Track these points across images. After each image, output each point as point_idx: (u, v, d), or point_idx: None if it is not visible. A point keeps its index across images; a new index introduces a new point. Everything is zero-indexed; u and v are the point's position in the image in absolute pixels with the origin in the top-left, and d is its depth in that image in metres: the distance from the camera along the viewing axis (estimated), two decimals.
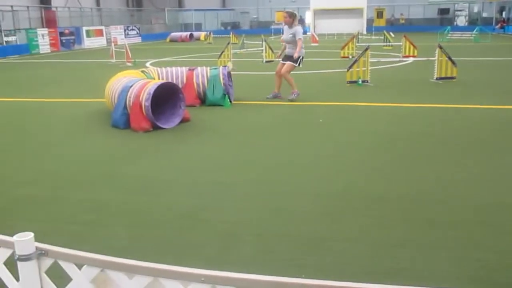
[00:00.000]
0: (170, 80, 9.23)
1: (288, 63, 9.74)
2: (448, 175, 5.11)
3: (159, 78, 9.43)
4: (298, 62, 9.72)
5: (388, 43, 23.52)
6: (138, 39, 38.22)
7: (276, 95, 10.11)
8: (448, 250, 3.46)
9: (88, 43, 31.72)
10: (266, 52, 18.03)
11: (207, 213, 4.22)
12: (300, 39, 9.54)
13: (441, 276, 3.11)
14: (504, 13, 48.19)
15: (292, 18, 9.69)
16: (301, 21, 50.92)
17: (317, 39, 29.66)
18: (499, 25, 42.05)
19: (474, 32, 30.64)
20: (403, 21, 50.51)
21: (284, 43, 9.94)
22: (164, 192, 4.79)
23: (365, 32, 43.28)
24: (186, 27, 51.34)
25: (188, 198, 4.59)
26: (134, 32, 38.29)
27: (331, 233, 3.77)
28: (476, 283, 3.03)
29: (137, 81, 7.81)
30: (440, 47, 11.94)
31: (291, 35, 9.67)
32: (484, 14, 48.80)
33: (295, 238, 3.69)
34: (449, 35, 31.70)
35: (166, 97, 7.88)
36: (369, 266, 3.27)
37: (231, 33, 31.88)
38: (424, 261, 3.31)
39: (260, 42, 18.96)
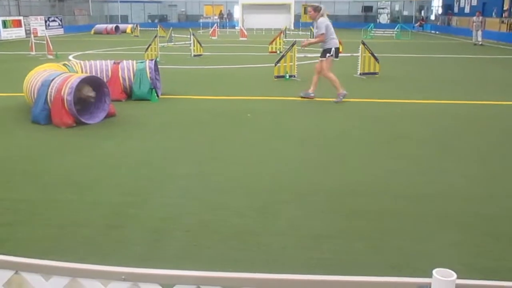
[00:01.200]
0: (94, 74, 8.97)
1: (320, 60, 9.25)
2: (374, 168, 5.32)
3: (82, 72, 9.13)
4: (330, 54, 9.10)
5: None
6: (60, 31, 36.69)
7: (308, 95, 9.50)
8: (370, 239, 3.60)
9: (5, 34, 30.08)
10: (194, 46, 17.89)
11: (135, 210, 4.15)
12: (321, 34, 8.94)
13: (363, 265, 3.24)
14: (423, 12, 50.69)
15: (316, 11, 9.09)
16: (230, 15, 51.19)
17: (246, 33, 29.81)
18: (419, 23, 44.16)
19: (395, 29, 31.96)
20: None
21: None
22: (90, 189, 4.65)
23: (292, 28, 44.00)
24: (111, 19, 49.92)
25: (116, 195, 4.49)
26: (56, 23, 36.69)
27: (260, 227, 3.82)
28: (398, 269, 3.18)
29: (59, 75, 7.52)
30: (364, 44, 12.36)
31: (316, 30, 9.23)
32: (405, 13, 51.03)
33: (224, 233, 3.71)
34: (373, 32, 32.88)
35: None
36: (295, 258, 3.34)
37: (158, 26, 31.36)
38: (347, 251, 3.43)
39: (189, 36, 18.76)
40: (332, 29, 9.11)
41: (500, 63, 17.16)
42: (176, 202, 4.32)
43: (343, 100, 9.16)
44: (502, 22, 30.16)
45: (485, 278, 2.55)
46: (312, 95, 9.54)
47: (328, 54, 9.13)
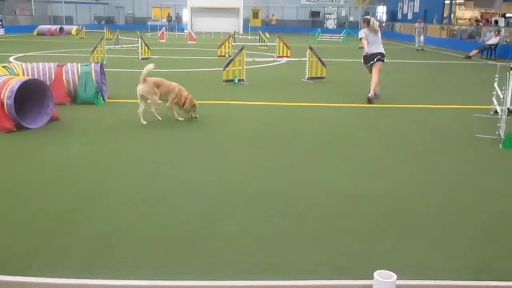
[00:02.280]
0: (36, 77, 8.68)
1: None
2: (321, 169, 5.39)
3: (24, 75, 8.83)
4: (364, 60, 10.22)
5: (263, 43, 24.22)
6: (1, 31, 35.34)
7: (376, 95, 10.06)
8: (318, 242, 3.65)
9: None
10: (142, 49, 17.64)
11: (78, 217, 4.04)
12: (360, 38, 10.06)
13: (311, 268, 3.27)
14: None
15: (363, 22, 10.21)
16: (178, 18, 50.83)
17: (195, 37, 29.68)
18: None
19: (342, 34, 32.64)
20: (274, 22, 52.34)
21: None
22: (32, 195, 4.49)
23: (241, 32, 44.16)
24: (55, 20, 48.55)
25: (59, 202, 4.35)
26: None
27: (209, 233, 3.80)
28: (345, 271, 3.23)
29: None
30: (311, 48, 12.55)
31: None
32: (351, 18, 52.26)
33: (168, 241, 3.66)
34: (320, 37, 33.45)
35: (32, 95, 7.41)
36: (243, 263, 3.34)
37: (105, 28, 30.73)
38: (296, 254, 3.46)
39: (136, 39, 18.48)
40: (371, 36, 9.95)
41: (441, 68, 17.83)
42: (122, 209, 4.24)
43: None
44: (443, 28, 31.42)
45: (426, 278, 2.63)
46: (378, 93, 10.19)
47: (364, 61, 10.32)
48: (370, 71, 10.17)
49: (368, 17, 10.32)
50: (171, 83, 7.92)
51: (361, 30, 10.08)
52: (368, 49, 9.94)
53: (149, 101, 7.66)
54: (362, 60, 10.29)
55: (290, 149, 6.29)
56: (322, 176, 5.19)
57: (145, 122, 7.52)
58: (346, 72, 15.43)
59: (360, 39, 10.03)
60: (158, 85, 7.73)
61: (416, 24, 26.36)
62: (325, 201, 4.48)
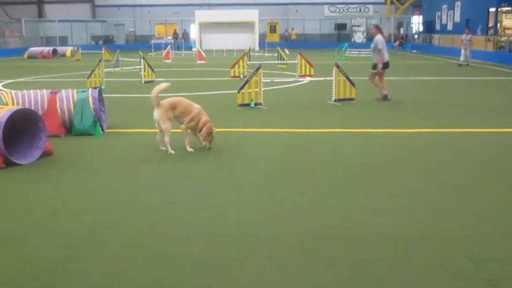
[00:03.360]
0: (27, 106, 8.84)
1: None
2: (352, 208, 5.35)
3: (13, 104, 8.99)
4: (375, 67, 13.11)
5: (282, 61, 24.41)
6: None
7: (385, 96, 13.08)
8: None
9: None
10: (145, 71, 17.91)
11: (75, 265, 4.05)
12: (379, 49, 12.80)
13: None
14: (402, 30, 52.22)
15: (377, 29, 13.03)
16: (185, 35, 51.63)
17: (204, 56, 30.04)
18: (398, 42, 45.42)
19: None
20: (294, 37, 52.83)
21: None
22: (21, 243, 4.52)
23: (257, 49, 44.61)
24: (48, 41, 49.67)
25: (53, 248, 4.37)
26: None
27: (223, 281, 3.78)
28: None
29: None
30: (337, 66, 12.61)
31: (372, 45, 13.04)
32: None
33: None
34: (347, 52, 33.63)
35: (22, 127, 7.53)
36: None
37: (103, 49, 31.32)
38: None
39: (138, 60, 18.79)
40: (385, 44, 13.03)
41: (491, 85, 17.74)
42: (123, 255, 4.24)
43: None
44: (488, 40, 31.34)
45: None
46: (384, 93, 13.15)
47: (375, 68, 13.20)
48: (377, 77, 13.16)
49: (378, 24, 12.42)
50: (191, 103, 8.06)
51: (379, 38, 12.61)
52: (385, 56, 12.88)
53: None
54: (380, 66, 12.96)
55: (315, 183, 6.27)
56: (352, 215, 5.15)
57: (173, 152, 7.66)
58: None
59: (378, 49, 12.64)
60: (174, 107, 7.84)
61: (463, 36, 26.20)
62: (357, 245, 4.43)
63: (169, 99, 8.00)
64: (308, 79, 17.72)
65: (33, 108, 8.80)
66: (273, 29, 54.22)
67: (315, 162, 7.27)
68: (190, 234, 4.69)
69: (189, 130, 7.93)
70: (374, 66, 13.19)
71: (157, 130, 8.04)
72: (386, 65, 13.13)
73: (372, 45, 13.26)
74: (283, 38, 53.30)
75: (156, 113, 7.79)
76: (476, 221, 4.96)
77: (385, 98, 13.11)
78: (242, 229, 4.78)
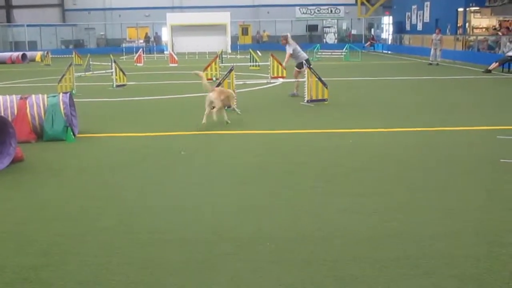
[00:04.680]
0: None
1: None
2: (326, 208, 5.39)
3: None
4: (299, 66, 14.41)
5: (255, 63, 24.46)
6: None
7: (294, 94, 14.57)
8: None
9: None
10: (117, 75, 17.76)
11: (53, 272, 4.00)
12: (289, 53, 14.57)
13: None
14: (373, 30, 52.81)
15: (285, 40, 14.59)
16: (157, 39, 51.41)
17: (176, 59, 29.92)
18: (369, 43, 45.94)
19: (344, 50, 33.05)
20: (266, 39, 52.98)
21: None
22: None
23: (229, 51, 44.63)
24: (17, 46, 49.05)
25: (25, 256, 4.31)
26: None
27: (199, 285, 3.77)
28: None
29: None
30: (309, 67, 12.69)
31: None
32: (354, 31, 53.01)
33: None
34: (319, 53, 33.84)
35: None
36: None
37: (74, 53, 31.05)
38: None
39: (110, 64, 18.63)
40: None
41: (458, 84, 18.04)
42: (97, 262, 4.20)
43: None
44: (457, 39, 31.86)
45: None
46: (296, 94, 14.46)
47: (298, 67, 14.52)
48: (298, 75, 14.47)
49: (286, 34, 14.74)
50: (228, 90, 11.04)
51: (290, 46, 14.40)
52: (302, 57, 14.38)
53: (214, 107, 10.09)
54: (298, 67, 14.43)
55: (291, 185, 6.29)
56: (327, 216, 5.19)
57: (229, 121, 10.30)
58: (351, 92, 15.58)
59: (289, 54, 14.48)
60: (221, 93, 10.27)
61: (433, 36, 26.58)
62: (332, 245, 4.47)
63: (218, 88, 10.66)
64: (280, 80, 17.80)
65: (2, 114, 8.68)
66: (245, 31, 54.34)
67: (290, 164, 7.30)
68: (165, 239, 4.67)
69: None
70: (298, 65, 14.49)
71: (129, 134, 7.99)
72: (301, 65, 14.24)
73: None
74: (255, 40, 53.50)
75: (212, 95, 10.05)
76: (445, 219, 5.03)
77: (293, 95, 14.60)
78: (217, 233, 4.77)
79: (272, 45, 48.17)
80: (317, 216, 5.18)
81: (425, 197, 5.73)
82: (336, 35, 52.76)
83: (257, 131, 9.71)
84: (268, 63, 19.59)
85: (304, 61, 13.98)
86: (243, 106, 12.13)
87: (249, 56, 25.87)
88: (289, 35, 14.79)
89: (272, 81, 17.70)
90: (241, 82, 13.80)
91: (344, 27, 53.79)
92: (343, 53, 33.05)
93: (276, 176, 6.71)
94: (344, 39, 50.67)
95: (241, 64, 24.68)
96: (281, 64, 19.08)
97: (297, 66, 14.65)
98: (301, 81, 14.00)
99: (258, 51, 27.28)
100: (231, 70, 12.09)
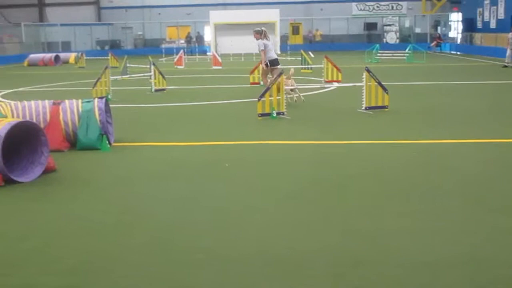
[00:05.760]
0: (28, 118, 8.94)
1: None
2: (381, 228, 5.31)
3: (13, 116, 9.10)
4: (266, 65, 15.41)
5: (307, 66, 24.41)
6: None
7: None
8: None
9: None
10: (156, 79, 18.00)
11: None
12: (261, 50, 15.47)
13: None
14: (439, 29, 51.95)
15: (259, 34, 15.62)
16: (199, 39, 51.96)
17: (220, 61, 30.18)
18: (435, 42, 45.18)
19: (406, 51, 32.66)
20: (319, 38, 52.83)
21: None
22: (19, 268, 4.55)
23: (278, 52, 44.70)
24: (50, 47, 50.29)
25: (53, 275, 4.39)
26: None
27: None
28: None
29: None
30: (368, 70, 12.57)
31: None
32: (417, 30, 52.31)
33: None
34: (378, 55, 33.53)
35: (22, 141, 7.61)
36: None
37: (110, 55, 31.61)
38: None
39: (148, 66, 18.92)
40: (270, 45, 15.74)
41: None
42: (130, 283, 4.25)
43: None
44: None
45: None
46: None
47: (266, 66, 15.47)
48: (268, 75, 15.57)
49: (260, 29, 15.83)
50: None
51: (258, 42, 15.48)
52: (270, 55, 15.43)
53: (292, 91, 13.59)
54: (268, 64, 15.32)
55: (344, 201, 6.23)
56: (382, 237, 5.11)
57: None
58: (414, 98, 15.34)
59: (261, 51, 15.38)
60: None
61: (509, 34, 25.93)
62: (390, 268, 4.40)
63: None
64: (335, 85, 17.68)
65: (34, 120, 8.88)
66: (295, 30, 54.30)
67: (344, 177, 7.24)
68: (203, 258, 4.67)
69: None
70: (266, 65, 15.45)
71: (168, 144, 8.07)
72: (273, 63, 15.40)
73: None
74: (307, 40, 53.39)
75: (291, 83, 13.88)
76: None
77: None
78: (263, 252, 4.76)
79: (326, 46, 48.16)
80: (371, 236, 5.10)
81: (496, 219, 5.57)
82: (397, 34, 52.15)
83: (308, 141, 9.66)
84: (322, 65, 19.55)
85: (268, 61, 15.19)
86: (293, 114, 12.12)
87: (300, 58, 25.85)
88: (265, 30, 15.99)
89: (326, 85, 17.61)
90: (293, 86, 13.78)
91: (407, 25, 53.13)
92: (405, 54, 32.67)
93: (328, 190, 6.66)
94: (406, 39, 50.07)
95: (292, 66, 24.62)
96: (336, 67, 19.06)
97: (266, 65, 15.42)
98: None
99: (310, 52, 27.24)
100: (280, 74, 12.09)
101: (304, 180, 7.15)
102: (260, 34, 15.68)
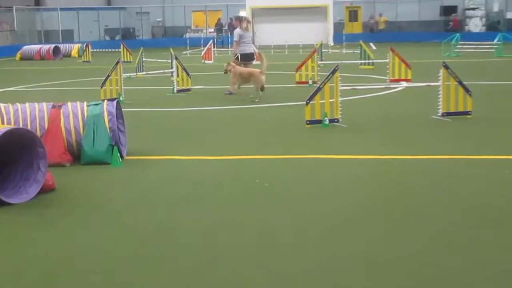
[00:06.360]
0: (22, 125, 9.02)
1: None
2: (465, 266, 5.24)
3: (2, 122, 9.18)
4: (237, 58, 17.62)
5: (367, 61, 24.28)
6: None
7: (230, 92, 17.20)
8: None
9: None
10: (179, 77, 18.03)
11: None
12: (235, 41, 17.87)
13: None
14: None
15: (237, 21, 18.07)
16: (232, 27, 52.05)
17: (258, 54, 30.13)
18: None
19: (495, 42, 32.23)
20: (383, 26, 52.45)
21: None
22: None
23: (331, 43, 44.59)
24: (47, 36, 50.79)
25: None
26: None
27: None
28: None
29: None
30: (446, 67, 12.45)
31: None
32: (509, 15, 51.50)
33: None
34: (459, 46, 33.18)
35: (14, 153, 7.70)
36: None
37: (122, 46, 31.76)
38: None
39: (169, 61, 19.05)
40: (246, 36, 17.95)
41: None
42: None
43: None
44: None
45: None
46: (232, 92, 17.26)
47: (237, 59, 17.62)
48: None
49: (242, 16, 17.33)
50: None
51: (236, 31, 17.63)
52: (243, 49, 17.66)
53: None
54: (239, 58, 17.54)
55: (417, 231, 6.17)
56: (470, 278, 5.05)
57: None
58: (506, 102, 15.11)
59: (235, 41, 17.78)
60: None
61: None
62: None
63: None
64: (403, 84, 17.58)
65: (29, 127, 8.93)
66: (353, 15, 54.21)
67: (415, 199, 7.17)
68: None
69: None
70: (239, 57, 17.66)
71: (193, 158, 8.15)
72: (245, 57, 17.66)
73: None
74: (367, 28, 53.18)
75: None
76: None
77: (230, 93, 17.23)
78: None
79: (391, 35, 47.78)
80: (456, 278, 5.05)
81: None
82: (483, 20, 51.54)
83: (369, 155, 9.57)
84: (386, 60, 19.43)
85: (239, 55, 17.46)
86: (350, 121, 12.05)
87: (359, 51, 25.74)
88: (247, 18, 18.34)
89: (392, 85, 17.51)
90: (349, 88, 13.68)
91: (496, 8, 52.44)
92: (494, 47, 32.25)
93: (395, 216, 6.60)
94: (495, 27, 49.42)
95: (348, 62, 24.56)
96: (404, 62, 18.92)
97: (237, 58, 17.49)
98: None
99: (371, 44, 27.12)
100: (334, 71, 12.03)
101: (363, 203, 7.09)
102: (240, 21, 17.79)
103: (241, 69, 16.74)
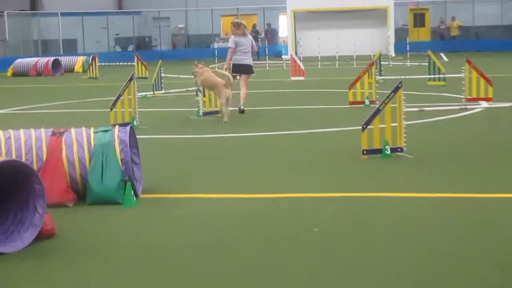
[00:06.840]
0: (15, 157, 9.10)
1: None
2: None
3: None
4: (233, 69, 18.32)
5: (437, 75, 24.19)
6: None
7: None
8: None
9: None
10: (205, 96, 18.11)
11: None
12: (229, 47, 18.39)
13: None
14: None
15: (234, 27, 18.25)
16: (271, 33, 52.20)
17: (303, 68, 30.16)
18: None
19: None
20: (456, 32, 52.17)
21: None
22: None
23: (393, 54, 44.57)
24: (46, 47, 51.36)
25: None
26: None
27: None
28: None
29: None
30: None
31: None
32: None
33: None
34: None
35: (7, 190, 7.76)
36: None
37: (135, 59, 31.93)
38: None
39: (193, 77, 19.18)
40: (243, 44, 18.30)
41: None
42: None
43: None
44: None
45: None
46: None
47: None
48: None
49: (239, 20, 18.43)
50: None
51: (231, 38, 18.30)
52: (236, 58, 18.18)
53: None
54: (231, 69, 18.08)
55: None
56: None
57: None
58: None
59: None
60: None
61: None
62: None
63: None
64: (483, 104, 17.51)
65: (24, 159, 9.01)
66: (419, 19, 54.17)
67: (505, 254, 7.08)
68: None
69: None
70: (233, 68, 18.40)
71: (223, 196, 8.22)
72: (238, 69, 18.39)
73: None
74: (437, 34, 53.08)
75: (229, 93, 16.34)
76: None
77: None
78: None
79: (467, 43, 47.62)
80: None
81: None
82: None
83: (444, 193, 9.48)
84: (461, 74, 19.35)
85: (231, 64, 18.05)
86: (417, 150, 11.98)
87: (427, 63, 25.70)
88: (244, 24, 18.61)
89: (468, 105, 17.42)
90: (416, 109, 13.62)
91: None
92: None
93: (488, 275, 6.51)
94: None
95: (414, 76, 24.52)
96: (484, 77, 18.81)
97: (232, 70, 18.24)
98: (242, 93, 18.25)
99: (442, 54, 27.04)
100: (397, 89, 11.99)
101: (438, 255, 7.03)
102: (238, 27, 18.17)
103: (208, 74, 17.22)
